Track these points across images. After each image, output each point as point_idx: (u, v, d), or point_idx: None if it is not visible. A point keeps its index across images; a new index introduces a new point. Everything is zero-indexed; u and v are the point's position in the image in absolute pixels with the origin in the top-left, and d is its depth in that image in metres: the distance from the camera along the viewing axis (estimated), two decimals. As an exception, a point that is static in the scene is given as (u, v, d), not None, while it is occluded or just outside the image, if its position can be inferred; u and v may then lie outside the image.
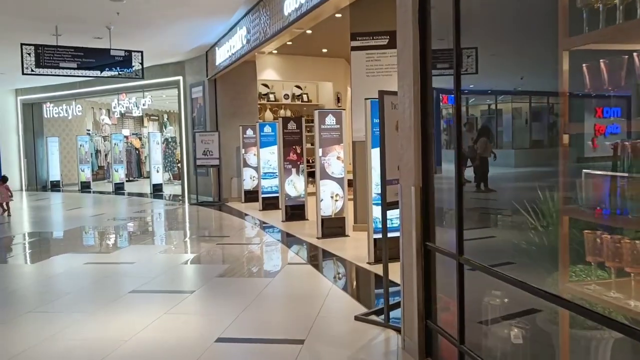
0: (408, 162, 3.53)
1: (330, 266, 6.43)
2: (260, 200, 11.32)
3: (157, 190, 16.39)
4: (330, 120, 7.80)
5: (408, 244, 3.64)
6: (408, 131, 3.51)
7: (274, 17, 8.06)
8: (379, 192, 6.17)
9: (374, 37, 8.18)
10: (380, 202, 6.20)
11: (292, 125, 9.59)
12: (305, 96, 14.47)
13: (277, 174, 11.40)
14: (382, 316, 4.30)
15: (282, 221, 9.55)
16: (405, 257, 3.72)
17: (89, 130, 21.84)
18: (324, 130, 7.78)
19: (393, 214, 6.12)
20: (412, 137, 3.45)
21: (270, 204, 11.34)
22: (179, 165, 17.66)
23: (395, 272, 5.68)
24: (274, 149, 11.38)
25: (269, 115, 13.77)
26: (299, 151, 9.64)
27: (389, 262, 6.19)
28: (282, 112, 14.08)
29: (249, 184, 12.88)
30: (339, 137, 7.86)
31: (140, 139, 23.76)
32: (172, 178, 20.34)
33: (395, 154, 4.31)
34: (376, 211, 6.10)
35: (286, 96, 14.13)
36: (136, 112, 16.06)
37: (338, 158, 7.86)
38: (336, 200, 7.87)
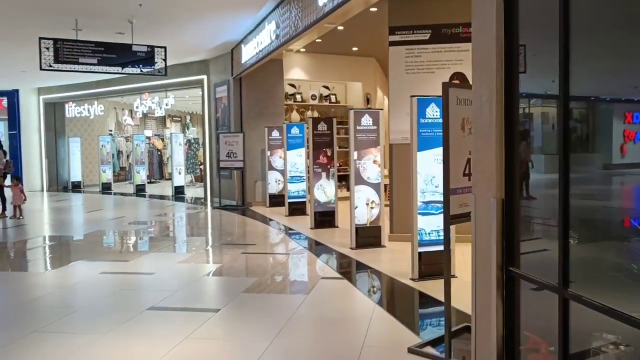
0: (486, 169, 2.89)
1: (368, 282, 5.81)
2: (287, 205, 10.74)
3: (178, 192, 15.93)
4: (366, 120, 7.18)
5: (484, 268, 3.00)
6: (487, 130, 2.87)
7: (306, 9, 7.47)
8: (425, 200, 5.54)
9: (415, 31, 7.55)
10: (426, 211, 5.58)
11: (322, 127, 8.99)
12: (333, 97, 13.87)
13: (304, 177, 10.82)
14: (440, 348, 3.66)
15: (311, 228, 8.95)
16: (479, 284, 3.07)
17: (111, 130, 21.52)
18: (360, 132, 7.16)
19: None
20: (492, 137, 2.81)
21: (297, 209, 10.75)
22: (202, 167, 17.20)
23: (438, 290, 5.04)
24: (302, 151, 10.80)
25: (295, 116, 13.21)
26: (329, 154, 9.04)
27: (431, 278, 5.56)
28: (309, 113, 13.50)
29: (274, 187, 12.31)
30: (375, 139, 7.23)
31: (162, 140, 23.40)
32: (194, 180, 19.90)
33: (460, 157, 3.68)
34: (422, 222, 5.47)
35: (313, 97, 13.56)
36: (159, 112, 15.64)
37: (374, 162, 7.24)
38: (372, 208, 7.25)
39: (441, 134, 5.46)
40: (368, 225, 7.25)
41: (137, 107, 16.05)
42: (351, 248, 7.17)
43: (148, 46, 9.31)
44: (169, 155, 18.38)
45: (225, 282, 5.66)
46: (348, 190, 12.45)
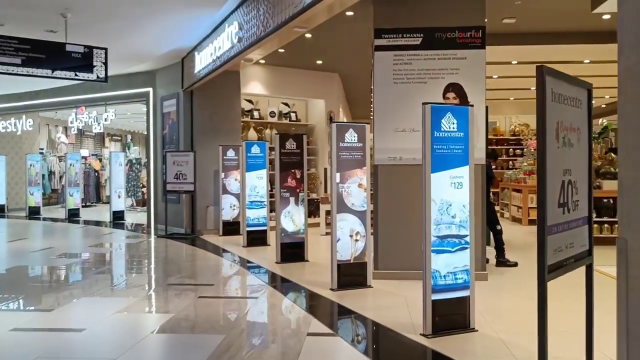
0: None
1: (370, 340, 4.59)
2: (245, 234, 9.40)
3: (118, 218, 14.25)
4: (351, 136, 6.04)
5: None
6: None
7: (278, 4, 6.31)
8: (440, 234, 4.40)
9: (404, 35, 6.52)
10: (441, 248, 4.42)
11: (291, 145, 7.78)
12: (293, 114, 12.71)
13: (265, 203, 9.54)
14: None
15: (277, 262, 7.66)
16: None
17: (42, 149, 19.52)
18: (344, 150, 6.00)
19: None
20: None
21: (256, 239, 9.43)
22: (144, 190, 15.59)
23: (461, 351, 3.90)
24: (263, 173, 9.54)
25: (252, 134, 11.94)
26: (298, 176, 7.82)
27: (448, 333, 4.35)
28: (267, 132, 12.27)
29: (228, 213, 10.96)
30: (361, 158, 6.09)
31: (100, 160, 21.51)
32: (135, 204, 18.16)
33: (552, 179, 2.55)
34: (436, 262, 4.32)
35: (272, 114, 12.35)
36: (96, 129, 14.00)
37: (360, 185, 6.08)
38: (357, 240, 6.06)
39: (460, 151, 4.39)
40: (352, 261, 6.05)
41: (71, 123, 14.35)
42: (332, 289, 5.94)
43: (85, 46, 7.88)
44: (108, 176, 16.63)
45: (183, 344, 4.29)
46: (314, 216, 11.31)
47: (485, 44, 6.46)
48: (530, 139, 15.92)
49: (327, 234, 10.57)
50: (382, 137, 6.51)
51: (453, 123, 4.35)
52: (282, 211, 7.72)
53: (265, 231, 9.51)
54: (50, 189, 19.02)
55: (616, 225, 9.29)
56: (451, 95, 6.46)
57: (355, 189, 6.05)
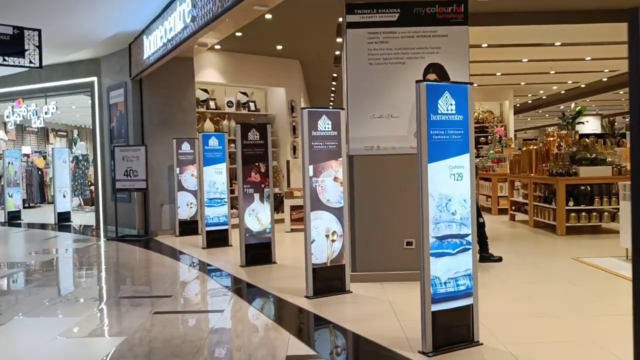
0: None
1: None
2: (204, 235, 8.61)
3: (63, 219, 13.15)
4: (324, 124, 5.35)
5: None
6: None
7: (238, -25, 5.56)
8: (439, 234, 3.77)
9: (379, 11, 5.87)
10: (441, 250, 3.76)
11: (254, 135, 7.04)
12: (252, 104, 11.92)
13: (225, 200, 8.77)
14: None
15: (242, 266, 6.93)
16: None
17: (-23, 146, 18.07)
18: (317, 139, 5.31)
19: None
20: None
21: (217, 239, 8.66)
22: (93, 188, 14.51)
23: None
24: (222, 167, 8.76)
25: (209, 125, 11.11)
26: (263, 170, 7.10)
27: (451, 349, 3.73)
28: (225, 123, 11.45)
29: (185, 212, 10.13)
30: (336, 148, 5.41)
31: (44, 157, 20.13)
32: (82, 204, 17.00)
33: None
34: (436, 266, 3.69)
35: (230, 104, 11.53)
36: (36, 123, 12.84)
37: (335, 179, 5.41)
38: (333, 241, 5.40)
39: (459, 136, 3.78)
40: (328, 264, 5.39)
41: (8, 117, 13.13)
42: (307, 297, 5.27)
43: (15, 27, 6.91)
44: (52, 175, 15.42)
45: (135, 375, 3.54)
46: (277, 212, 10.58)
47: (468, 20, 5.88)
48: (496, 126, 15.60)
49: (292, 230, 9.91)
50: (356, 124, 5.86)
51: (451, 104, 3.73)
52: (245, 209, 6.99)
53: (226, 231, 8.76)
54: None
55: (594, 214, 8.94)
56: (432, 77, 5.86)
57: (331, 183, 5.38)
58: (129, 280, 6.61)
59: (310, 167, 5.27)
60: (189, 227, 10.10)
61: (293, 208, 10.24)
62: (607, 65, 13.11)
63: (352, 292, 5.44)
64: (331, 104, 20.75)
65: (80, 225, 12.76)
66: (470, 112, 3.82)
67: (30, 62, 6.95)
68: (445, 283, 3.73)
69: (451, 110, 3.73)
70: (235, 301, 5.38)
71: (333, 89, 16.89)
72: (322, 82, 15.44)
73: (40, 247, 9.72)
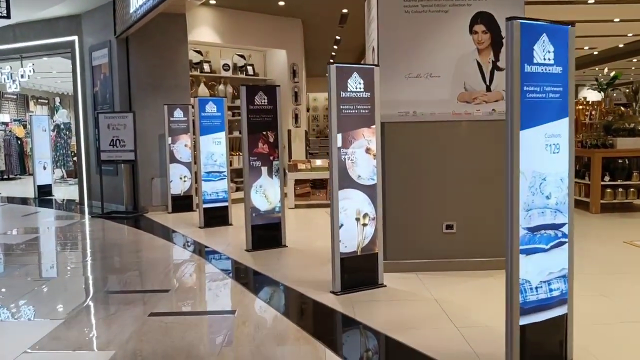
0: None
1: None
2: (201, 212, 7.66)
3: (44, 193, 12.11)
4: (355, 83, 4.38)
5: None
6: None
7: None
8: (531, 225, 2.86)
9: (418, -53, 4.85)
10: (532, 246, 2.81)
11: (261, 99, 6.05)
12: (250, 68, 10.86)
13: (225, 173, 7.81)
14: None
15: (247, 250, 6.02)
16: None
17: (-49, 113, 16.83)
18: (346, 102, 4.35)
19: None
20: None
21: (216, 217, 7.73)
22: (75, 159, 13.44)
23: None
24: (221, 136, 7.77)
25: (203, 90, 10.06)
26: (271, 140, 6.13)
27: None
28: (220, 88, 10.40)
29: (178, 186, 9.17)
30: (369, 113, 4.46)
31: (25, 126, 18.93)
32: (65, 176, 15.92)
33: None
34: (526, 267, 2.80)
35: (226, 67, 10.46)
36: (12, 88, 11.68)
37: (368, 151, 4.47)
38: (364, 225, 4.49)
39: (558, 95, 2.83)
40: (359, 253, 4.48)
41: (-20, 81, 11.96)
42: (334, 292, 4.38)
43: (-25, -32, 5.80)
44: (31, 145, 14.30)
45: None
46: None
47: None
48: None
49: (296, 207, 9.02)
50: (388, 85, 4.89)
51: (549, 51, 2.78)
52: (252, 185, 6.04)
53: (226, 208, 7.82)
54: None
55: (632, 190, 8.12)
56: (480, 28, 4.89)
57: (362, 156, 4.44)
58: (118, 268, 5.66)
59: (339, 136, 4.32)
60: (182, 203, 9.17)
61: (297, 182, 9.33)
62: (634, 28, 12.18)
63: (385, 285, 4.56)
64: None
65: (63, 200, 11.75)
66: (571, 64, 2.88)
67: (-4, 10, 5.86)
68: (536, 288, 2.84)
69: (549, 59, 2.78)
70: (247, 298, 4.47)
71: (334, 53, 15.80)
72: (321, 46, 14.35)
73: (15, 224, 8.72)
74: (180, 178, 9.19)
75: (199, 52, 10.23)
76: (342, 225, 4.38)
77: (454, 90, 4.90)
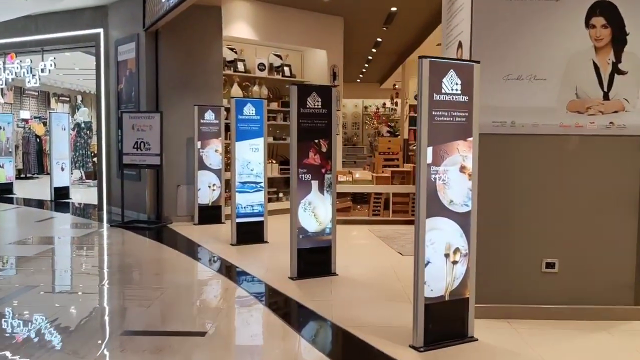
0: None
1: None
2: (234, 227, 6.77)
3: (61, 195, 11.35)
4: (451, 83, 3.45)
5: None
6: None
7: None
8: None
9: None
10: None
11: (314, 101, 5.15)
12: (287, 69, 9.99)
13: (262, 184, 6.92)
14: None
15: (292, 278, 5.11)
16: None
17: (-31, 109, 16.24)
18: (440, 106, 3.42)
19: None
20: None
21: (249, 233, 6.84)
22: (96, 159, 12.68)
23: None
24: (259, 142, 6.88)
25: (237, 91, 9.20)
26: (324, 149, 5.22)
27: None
28: (255, 89, 9.54)
29: (206, 195, 8.32)
30: (466, 122, 3.53)
31: (44, 123, 18.27)
32: (84, 177, 15.18)
33: None
34: None
35: (261, 66, 9.60)
36: (31, 82, 10.95)
37: (462, 169, 3.54)
38: (455, 262, 3.54)
39: None
40: (447, 298, 3.54)
41: (-1, 75, 11.24)
42: (416, 348, 3.44)
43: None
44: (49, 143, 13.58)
45: None
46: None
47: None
48: None
49: (344, 222, 8.08)
50: (482, 88, 3.95)
51: None
52: (299, 201, 5.13)
53: (261, 223, 6.92)
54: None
55: None
56: (599, 21, 3.94)
57: (456, 176, 3.51)
58: (139, 297, 4.78)
59: (429, 150, 3.39)
60: (210, 214, 8.32)
61: (337, 195, 8.40)
62: None
63: (477, 339, 3.61)
64: (361, 75, 18.77)
65: (81, 204, 10.97)
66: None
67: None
68: None
69: None
70: (305, 350, 3.55)
71: (370, 57, 14.90)
72: (358, 48, 13.43)
73: (27, 233, 7.91)
74: (209, 186, 8.34)
75: (233, 49, 9.38)
76: (428, 262, 3.44)
77: (563, 97, 3.96)
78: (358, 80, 20.08)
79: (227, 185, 8.52)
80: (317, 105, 5.16)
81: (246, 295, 4.74)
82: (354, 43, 12.72)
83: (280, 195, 9.37)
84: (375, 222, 8.35)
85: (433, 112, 3.40)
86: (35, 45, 10.46)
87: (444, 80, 3.43)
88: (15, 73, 10.96)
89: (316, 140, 5.18)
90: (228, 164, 8.62)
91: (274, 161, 9.37)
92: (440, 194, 3.46)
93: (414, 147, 10.93)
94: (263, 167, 6.90)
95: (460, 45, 4.24)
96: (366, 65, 16.49)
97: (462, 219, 3.54)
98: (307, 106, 5.12)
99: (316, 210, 5.22)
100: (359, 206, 8.59)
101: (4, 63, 10.97)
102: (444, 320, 3.54)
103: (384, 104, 22.35)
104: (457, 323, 3.60)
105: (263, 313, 4.25)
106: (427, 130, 3.37)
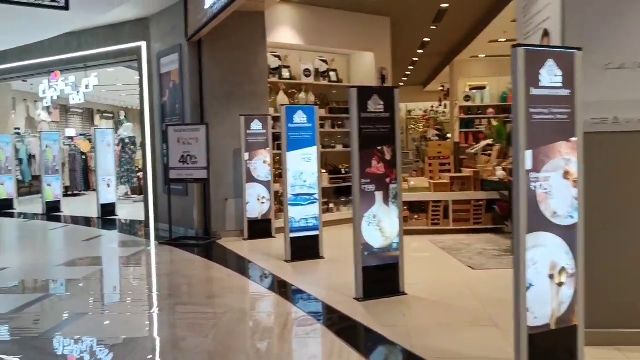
0: None
1: None
2: (288, 243, 6.36)
3: (107, 212, 11.20)
4: (550, 75, 2.95)
5: None
6: None
7: None
8: None
9: None
10: None
11: (376, 104, 4.70)
12: (333, 74, 9.58)
13: (316, 196, 6.50)
14: None
15: (358, 299, 4.65)
16: None
17: (18, 128, 16.40)
18: (538, 102, 2.92)
19: None
20: None
21: (304, 248, 6.42)
22: (141, 174, 12.55)
23: None
24: (312, 152, 6.47)
25: (283, 99, 8.84)
26: (388, 157, 4.76)
27: None
28: (302, 96, 9.16)
29: (255, 209, 7.96)
30: (568, 120, 3.01)
31: (90, 140, 18.37)
32: (129, 192, 15.10)
33: None
34: None
35: (307, 72, 9.22)
36: (76, 99, 10.88)
37: (566, 175, 3.02)
38: (560, 284, 3.02)
39: None
40: (553, 326, 3.02)
41: (44, 93, 11.20)
42: (518, 386, 2.93)
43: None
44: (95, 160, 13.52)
45: None
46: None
47: None
48: None
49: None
50: (592, 82, 3.42)
51: None
52: (363, 215, 4.68)
53: (316, 238, 6.49)
54: (31, 176, 15.93)
55: None
56: None
57: (560, 183, 2.99)
58: (193, 325, 4.39)
59: (528, 154, 2.90)
60: (260, 228, 7.94)
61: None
62: None
63: (589, 376, 3.07)
64: (404, 79, 18.21)
65: (127, 220, 10.79)
66: None
67: (53, 0, 4.79)
68: None
69: None
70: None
71: (415, 58, 14.36)
72: (404, 51, 12.92)
73: (74, 254, 7.68)
74: (258, 199, 7.98)
75: (277, 56, 9.03)
76: (530, 285, 2.93)
77: (677, 87, 3.40)
78: (401, 84, 19.54)
79: (277, 197, 8.17)
80: (379, 108, 4.71)
81: (311, 321, 4.30)
82: (400, 45, 12.23)
83: (331, 206, 8.94)
84: (435, 231, 7.81)
85: (530, 109, 2.90)
86: (78, 62, 10.36)
87: (541, 71, 2.92)
88: (60, 91, 10.89)
89: (379, 147, 4.72)
90: (277, 175, 8.28)
91: (324, 170, 8.95)
92: (542, 205, 2.95)
93: (471, 151, 10.37)
94: (317, 177, 6.48)
95: (546, 33, 3.73)
96: (410, 67, 15.97)
97: (567, 234, 3.02)
98: (368, 110, 4.67)
99: (382, 224, 4.75)
100: (416, 215, 8.07)
101: (49, 81, 10.92)
102: (551, 353, 3.02)
103: (432, 106, 21.71)
104: (566, 355, 3.07)
105: (334, 344, 3.79)
106: (525, 130, 2.88)
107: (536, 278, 2.95)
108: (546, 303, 2.98)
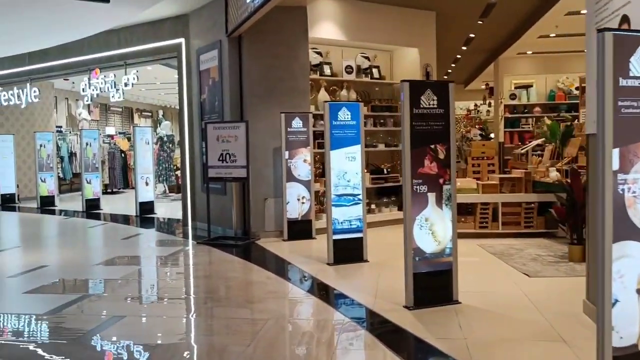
0: None
1: None
2: (330, 245, 6.10)
3: (146, 210, 11.14)
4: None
5: None
6: None
7: None
8: None
9: None
10: None
11: (429, 100, 4.39)
12: (375, 70, 9.27)
13: (359, 197, 6.22)
14: None
15: (408, 308, 4.35)
16: None
17: (59, 126, 16.62)
18: (626, 94, 2.58)
19: None
20: None
21: (347, 251, 6.14)
22: (179, 172, 12.49)
23: None
24: (357, 150, 6.19)
25: (324, 96, 8.58)
26: (441, 156, 4.45)
27: None
28: (343, 94, 8.88)
29: (295, 209, 7.72)
30: (661, 114, 2.66)
31: (129, 139, 18.51)
32: (167, 191, 15.09)
33: None
34: None
35: (349, 69, 8.94)
36: (115, 97, 10.84)
37: (658, 177, 2.66)
38: (649, 302, 2.67)
39: None
40: (640, 348, 2.67)
41: (84, 91, 11.23)
42: (601, 415, 2.59)
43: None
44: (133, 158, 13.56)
45: None
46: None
47: None
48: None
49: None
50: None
51: None
52: (414, 217, 4.38)
53: (360, 240, 6.21)
54: (72, 173, 16.13)
55: None
56: None
57: (651, 185, 2.64)
58: (234, 332, 4.16)
59: (615, 153, 2.56)
60: (300, 229, 7.71)
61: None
62: None
63: (680, 402, 2.70)
64: (445, 77, 17.74)
65: (165, 219, 10.71)
66: None
67: (93, -8, 4.64)
68: None
69: None
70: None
71: (459, 55, 13.92)
72: (448, 47, 12.51)
73: (113, 252, 7.58)
74: (298, 199, 7.75)
75: (318, 52, 8.78)
76: (615, 301, 2.59)
77: None
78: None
79: (317, 197, 7.93)
80: (433, 104, 4.40)
81: (359, 330, 4.03)
82: (443, 41, 11.83)
83: (373, 207, 8.63)
84: (483, 235, 7.44)
85: (619, 102, 2.56)
86: (118, 60, 10.34)
87: (631, 60, 2.58)
88: (100, 88, 10.89)
89: (432, 146, 4.42)
90: (317, 175, 8.04)
91: (366, 170, 8.65)
92: (631, 211, 2.61)
93: (520, 151, 9.92)
94: (361, 177, 6.20)
95: (625, 19, 3.36)
96: (452, 65, 15.51)
97: (659, 242, 2.67)
98: (421, 106, 4.37)
99: (434, 228, 4.45)
100: (463, 218, 7.69)
101: (89, 79, 10.92)
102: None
103: (475, 105, 21.14)
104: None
105: (386, 357, 3.51)
106: (612, 126, 2.54)
107: (622, 293, 2.61)
108: (633, 321, 2.64)
